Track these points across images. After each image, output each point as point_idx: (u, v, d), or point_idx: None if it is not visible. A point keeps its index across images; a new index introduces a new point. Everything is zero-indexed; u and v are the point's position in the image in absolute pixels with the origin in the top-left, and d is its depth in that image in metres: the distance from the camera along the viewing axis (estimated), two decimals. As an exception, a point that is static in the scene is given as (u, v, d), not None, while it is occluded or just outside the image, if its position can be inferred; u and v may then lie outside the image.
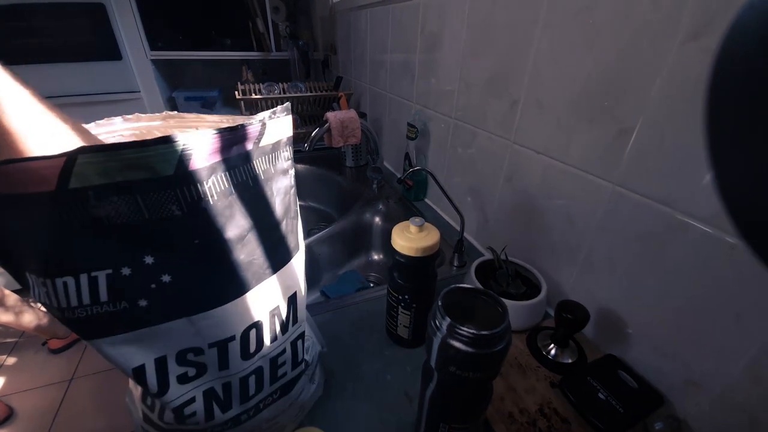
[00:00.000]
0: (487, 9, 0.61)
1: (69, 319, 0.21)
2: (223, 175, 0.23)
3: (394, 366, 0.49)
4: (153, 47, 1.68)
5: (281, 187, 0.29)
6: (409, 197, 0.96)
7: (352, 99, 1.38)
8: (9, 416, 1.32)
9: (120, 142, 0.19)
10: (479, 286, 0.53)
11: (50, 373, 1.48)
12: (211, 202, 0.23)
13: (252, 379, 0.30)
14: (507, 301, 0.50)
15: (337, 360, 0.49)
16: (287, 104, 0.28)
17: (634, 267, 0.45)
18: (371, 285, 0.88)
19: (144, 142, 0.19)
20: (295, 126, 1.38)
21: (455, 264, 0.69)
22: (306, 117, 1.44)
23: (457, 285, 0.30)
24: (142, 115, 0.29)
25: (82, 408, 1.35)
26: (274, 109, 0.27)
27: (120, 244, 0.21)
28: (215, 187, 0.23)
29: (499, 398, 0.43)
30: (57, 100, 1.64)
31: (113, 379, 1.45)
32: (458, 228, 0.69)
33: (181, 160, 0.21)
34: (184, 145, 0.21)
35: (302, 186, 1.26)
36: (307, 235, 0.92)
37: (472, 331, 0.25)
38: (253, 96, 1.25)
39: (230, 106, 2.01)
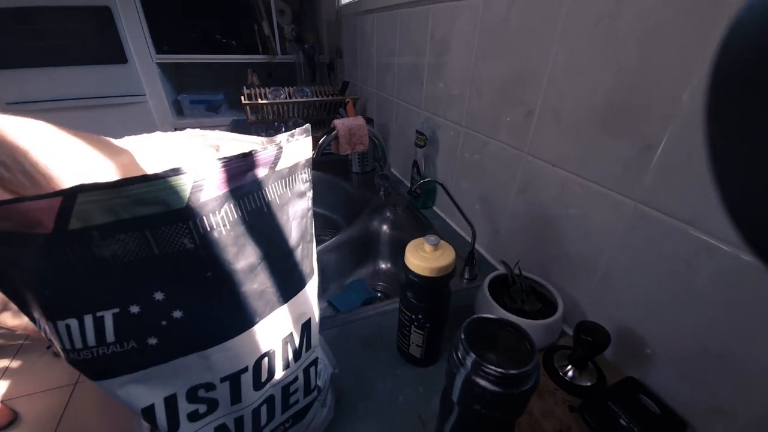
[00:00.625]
0: (502, 16, 0.60)
1: (74, 360, 0.20)
2: (235, 203, 0.22)
3: (406, 386, 0.48)
4: (159, 50, 1.68)
5: (298, 210, 0.28)
6: (417, 205, 0.95)
7: (358, 104, 1.36)
8: (13, 420, 1.32)
9: (128, 177, 0.17)
10: (493, 302, 0.52)
11: (55, 376, 1.48)
12: (224, 233, 0.22)
13: (264, 409, 0.29)
14: (522, 320, 0.49)
15: (347, 378, 0.48)
16: (307, 126, 0.27)
17: (656, 287, 0.43)
18: (378, 295, 0.87)
19: (154, 175, 0.18)
20: (301, 130, 1.37)
21: (466, 277, 0.68)
22: (312, 122, 1.43)
23: (481, 315, 0.28)
24: (162, 133, 0.27)
25: (86, 413, 1.35)
26: (293, 131, 0.26)
27: (128, 281, 0.20)
28: (228, 216, 0.22)
29: (517, 423, 0.42)
30: (63, 103, 1.64)
31: (117, 384, 1.45)
32: (468, 239, 0.67)
33: (193, 192, 0.20)
34: (196, 175, 0.19)
35: (308, 192, 1.25)
36: (313, 243, 0.91)
37: (500, 369, 0.24)
38: (259, 101, 1.24)
39: (235, 109, 2.00)
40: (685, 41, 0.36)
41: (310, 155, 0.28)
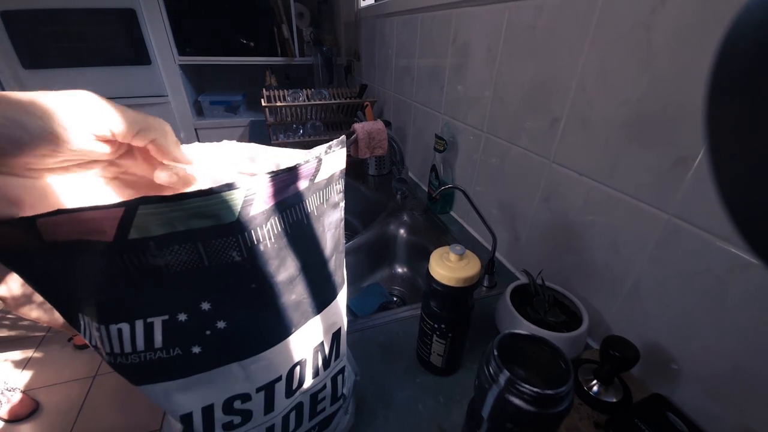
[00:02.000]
0: (529, 22, 0.59)
1: (120, 364, 0.21)
2: (279, 216, 0.22)
3: (426, 395, 0.48)
4: (181, 52, 1.72)
5: (332, 221, 0.28)
6: (435, 210, 0.95)
7: (375, 106, 1.37)
8: (35, 410, 1.36)
9: (185, 192, 0.18)
10: (515, 312, 0.51)
11: (75, 368, 1.52)
12: (269, 245, 0.22)
13: (292, 415, 0.29)
14: (546, 332, 0.48)
15: (366, 384, 0.48)
16: (343, 138, 0.27)
17: (687, 303, 0.42)
18: (395, 299, 0.87)
19: (210, 190, 0.18)
20: (319, 133, 1.38)
21: (485, 285, 0.67)
22: (329, 124, 1.44)
23: (514, 331, 0.28)
24: (232, 143, 0.28)
25: (105, 404, 1.38)
26: (330, 143, 0.26)
27: (178, 290, 0.20)
28: (272, 229, 0.22)
29: (540, 438, 0.41)
30: (88, 102, 1.69)
31: (134, 378, 1.48)
32: (486, 245, 0.67)
33: (244, 206, 0.20)
34: (247, 190, 0.20)
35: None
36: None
37: (536, 389, 0.23)
38: (278, 103, 1.26)
39: (253, 110, 2.03)
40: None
41: (344, 166, 0.28)
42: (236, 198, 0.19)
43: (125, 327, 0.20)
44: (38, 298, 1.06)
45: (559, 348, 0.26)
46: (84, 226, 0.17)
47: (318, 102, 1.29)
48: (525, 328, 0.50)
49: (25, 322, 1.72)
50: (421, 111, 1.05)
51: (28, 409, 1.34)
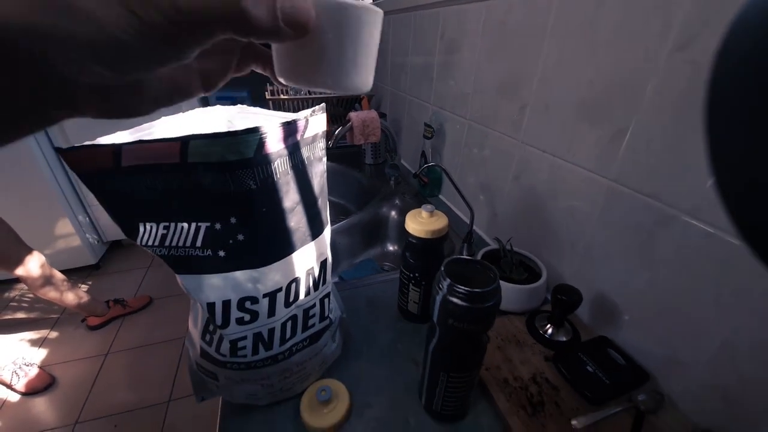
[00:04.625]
0: (501, 18, 0.67)
1: (171, 255, 0.29)
2: (284, 158, 0.30)
3: (404, 337, 0.55)
4: (189, 49, 1.80)
5: (318, 171, 0.36)
6: (424, 193, 1.02)
7: (374, 100, 1.45)
8: (51, 384, 1.45)
9: (219, 132, 0.26)
10: (484, 271, 0.59)
11: (88, 347, 1.62)
12: (276, 179, 0.30)
13: (288, 325, 0.37)
14: (508, 285, 0.56)
15: (354, 329, 0.56)
16: (323, 105, 0.35)
17: (626, 256, 0.50)
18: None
19: (236, 132, 0.26)
20: (319, 125, 1.46)
21: (464, 254, 0.75)
22: (329, 116, 1.52)
23: (458, 256, 0.35)
24: (225, 107, 0.37)
25: (117, 380, 1.47)
26: (314, 108, 0.34)
27: (217, 205, 0.29)
28: (279, 167, 0.30)
29: (496, 367, 0.49)
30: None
31: (145, 356, 1.57)
32: (468, 221, 0.74)
33: (259, 146, 0.28)
34: (262, 134, 0.28)
35: (324, 181, 1.34)
36: (328, 225, 0.99)
37: (467, 288, 0.31)
38: (281, 96, 1.34)
39: (258, 105, 2.11)
40: (648, 43, 0.43)
41: (325, 128, 0.36)
42: (255, 139, 0.27)
43: (185, 225, 0.28)
44: (55, 279, 1.20)
45: (490, 265, 0.34)
46: (158, 152, 0.25)
47: (319, 95, 1.37)
48: (492, 282, 0.57)
49: (41, 305, 1.82)
50: (415, 103, 1.13)
51: (44, 383, 1.43)
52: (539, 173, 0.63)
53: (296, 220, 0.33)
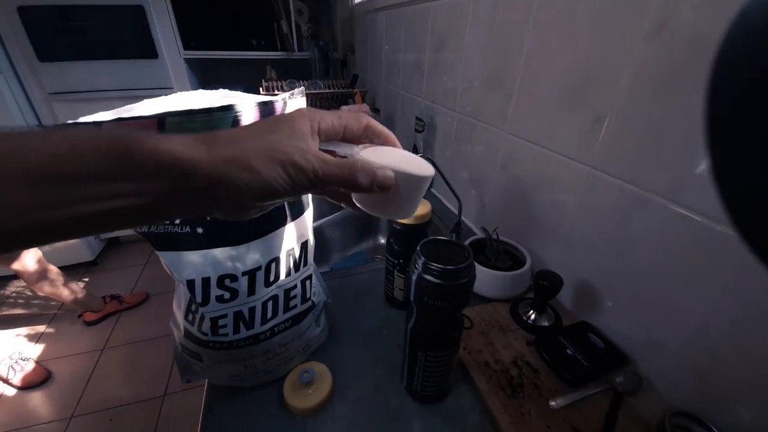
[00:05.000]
0: (488, 10, 0.68)
1: (152, 233, 0.30)
2: (257, 137, 0.31)
3: (389, 323, 0.56)
4: (186, 47, 1.81)
5: (297, 152, 0.37)
6: (416, 187, 1.03)
7: (368, 96, 1.46)
8: (47, 378, 1.46)
9: (193, 109, 0.27)
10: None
11: (84, 342, 1.62)
12: (249, 156, 0.31)
13: (270, 305, 0.38)
14: (493, 272, 0.57)
15: (340, 316, 0.57)
16: (302, 88, 0.35)
17: (605, 242, 0.50)
18: (377, 266, 0.95)
19: (210, 109, 0.27)
20: (314, 121, 1.47)
21: (453, 244, 0.75)
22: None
23: (434, 237, 0.36)
24: (208, 91, 0.37)
25: (113, 375, 1.48)
26: (293, 90, 0.34)
27: None
28: (253, 146, 0.31)
29: (478, 350, 0.49)
30: (99, 94, 1.79)
31: (141, 351, 1.58)
32: (457, 212, 0.75)
33: (234, 123, 0.29)
34: (236, 112, 0.28)
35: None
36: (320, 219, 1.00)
37: (440, 266, 0.32)
38: (276, 93, 1.35)
39: (254, 102, 2.12)
40: (624, 28, 0.43)
41: None
42: (228, 116, 0.28)
43: None
44: (51, 274, 1.21)
45: (465, 245, 0.35)
46: (137, 127, 0.26)
47: (313, 92, 1.38)
48: (477, 269, 0.58)
49: (38, 301, 1.82)
50: (407, 98, 1.13)
51: (40, 378, 1.44)
52: (524, 163, 0.64)
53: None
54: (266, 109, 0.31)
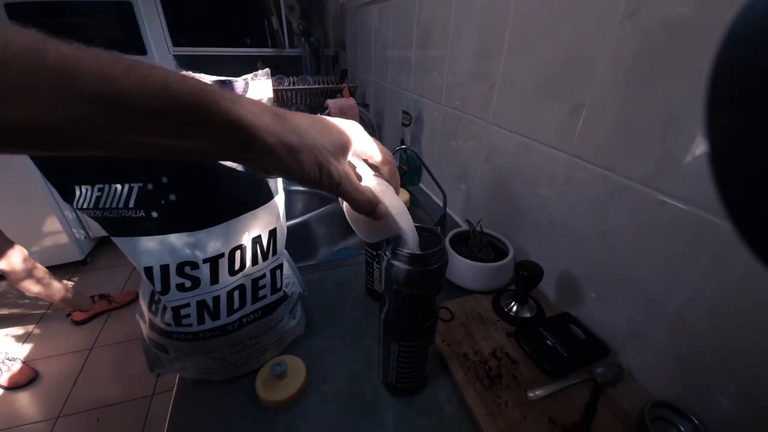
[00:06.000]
0: (472, 3, 0.67)
1: (105, 217, 0.29)
2: (215, 117, 0.30)
3: (369, 316, 0.55)
4: (175, 43, 1.80)
5: (263, 137, 0.36)
6: (405, 182, 1.02)
7: (358, 92, 1.45)
8: (34, 378, 1.44)
9: None
10: (452, 250, 0.59)
11: (73, 342, 1.60)
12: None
13: (236, 294, 0.37)
14: (474, 263, 0.56)
15: (319, 309, 0.55)
16: (267, 69, 0.34)
17: (585, 230, 0.50)
18: (364, 261, 0.94)
19: None
20: (303, 117, 1.46)
21: (438, 238, 0.74)
22: (314, 108, 1.52)
23: (405, 222, 0.35)
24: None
25: (101, 375, 1.46)
26: (256, 72, 0.33)
27: (148, 165, 0.28)
28: (209, 126, 0.30)
29: (457, 342, 0.49)
30: (87, 91, 1.77)
31: (129, 350, 1.56)
32: (443, 205, 0.74)
33: None
34: None
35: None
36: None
37: (408, 251, 0.31)
38: (264, 87, 1.34)
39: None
40: (601, 10, 0.43)
41: (272, 95, 0.36)
42: None
43: (119, 187, 0.28)
44: (38, 273, 1.19)
45: (436, 231, 0.34)
46: None
47: (301, 87, 1.37)
48: (458, 261, 0.57)
49: (26, 300, 1.80)
50: (396, 93, 1.12)
51: (27, 378, 1.42)
52: (506, 153, 0.63)
53: (236, 183, 0.33)
54: (224, 87, 0.30)
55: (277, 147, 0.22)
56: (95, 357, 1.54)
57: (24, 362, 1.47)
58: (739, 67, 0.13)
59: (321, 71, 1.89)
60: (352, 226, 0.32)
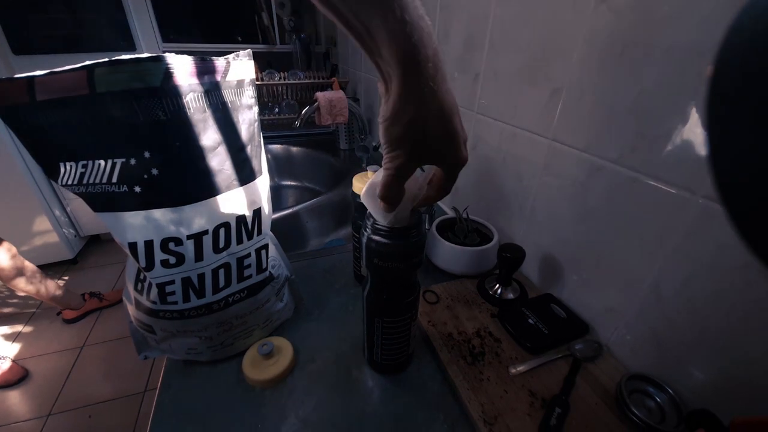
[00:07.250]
0: (455, -8, 0.68)
1: (89, 193, 0.30)
2: (198, 94, 0.31)
3: (356, 301, 0.56)
4: (165, 39, 1.79)
5: (246, 118, 0.36)
6: (394, 174, 1.03)
7: (349, 87, 1.45)
8: (24, 377, 1.42)
9: (121, 58, 0.26)
10: (438, 236, 0.60)
11: (63, 340, 1.59)
12: (189, 113, 0.30)
13: (221, 273, 0.37)
14: (459, 247, 0.57)
15: (307, 295, 0.56)
16: (249, 50, 0.35)
17: (564, 212, 0.51)
18: (355, 252, 0.95)
19: (138, 58, 0.27)
20: (293, 111, 1.46)
21: (426, 227, 0.75)
22: (304, 103, 1.52)
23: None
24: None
25: (92, 372, 1.45)
26: (238, 52, 0.34)
27: (130, 140, 0.29)
28: (192, 102, 0.30)
29: (443, 323, 0.50)
30: (75, 87, 1.75)
31: (121, 348, 1.55)
32: (430, 194, 0.75)
33: (166, 76, 0.28)
34: (168, 63, 0.28)
35: (297, 167, 1.33)
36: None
37: (387, 225, 0.32)
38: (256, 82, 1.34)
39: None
40: (577, 2, 0.44)
41: (254, 76, 0.36)
42: (159, 68, 0.28)
43: (103, 162, 0.29)
44: (28, 271, 1.18)
45: (416, 210, 0.35)
46: (67, 83, 0.26)
47: (291, 81, 1.37)
48: (444, 246, 0.58)
49: (16, 300, 1.78)
50: (385, 86, 1.13)
51: (17, 376, 1.41)
52: (491, 141, 0.65)
53: (218, 161, 0.34)
54: (203, 65, 0.30)
55: (420, 108, 0.24)
56: (86, 355, 1.53)
57: (14, 361, 1.46)
58: (741, 66, 0.13)
59: (312, 67, 1.89)
60: (368, 206, 0.32)
